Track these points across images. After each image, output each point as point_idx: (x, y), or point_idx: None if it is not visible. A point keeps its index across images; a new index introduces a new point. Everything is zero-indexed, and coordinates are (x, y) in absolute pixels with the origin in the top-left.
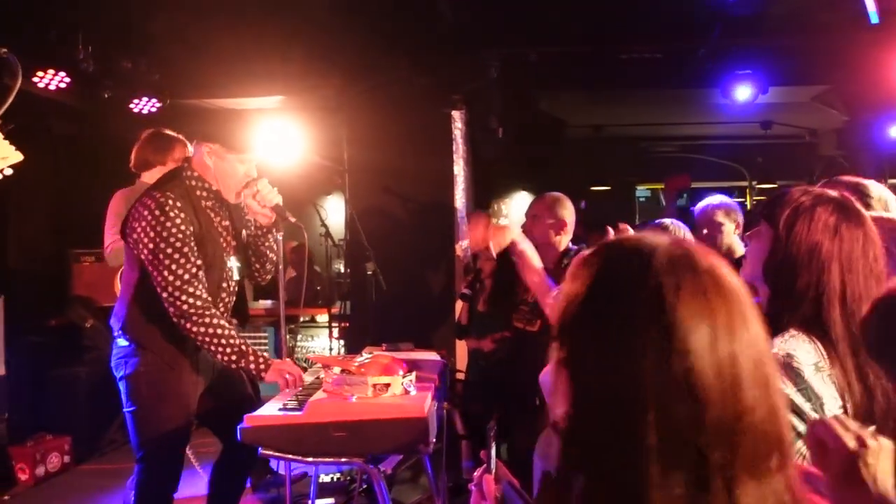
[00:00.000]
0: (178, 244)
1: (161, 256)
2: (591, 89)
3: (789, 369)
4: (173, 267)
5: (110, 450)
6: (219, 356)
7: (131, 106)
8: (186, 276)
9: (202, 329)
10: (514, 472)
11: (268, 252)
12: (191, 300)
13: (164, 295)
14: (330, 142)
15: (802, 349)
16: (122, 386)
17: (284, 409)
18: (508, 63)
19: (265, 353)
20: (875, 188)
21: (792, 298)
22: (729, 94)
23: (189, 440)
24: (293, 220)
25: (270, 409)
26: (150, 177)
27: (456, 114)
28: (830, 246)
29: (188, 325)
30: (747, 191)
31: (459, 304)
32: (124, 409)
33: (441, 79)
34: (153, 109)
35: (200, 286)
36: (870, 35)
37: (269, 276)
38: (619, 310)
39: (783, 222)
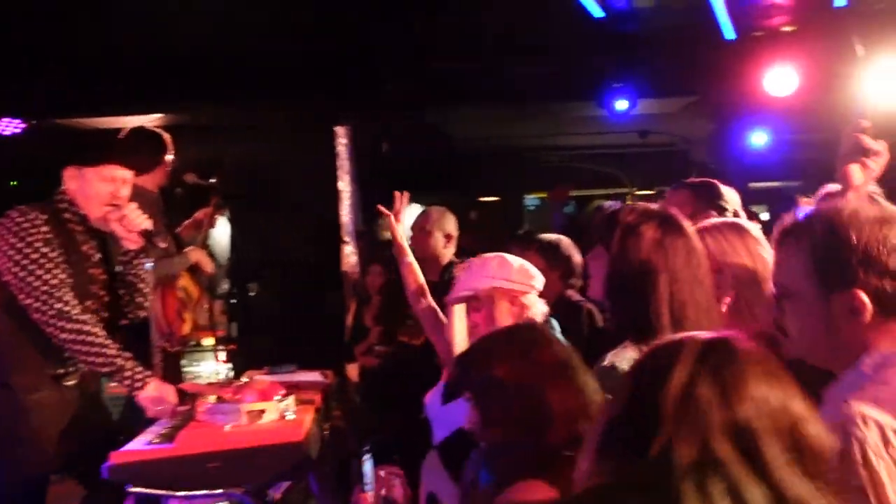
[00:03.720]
0: (45, 249)
1: (25, 262)
2: (477, 103)
3: (610, 378)
4: (39, 272)
5: None
6: (91, 366)
7: None
8: (55, 281)
9: (75, 336)
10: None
11: (137, 283)
12: (62, 302)
13: (31, 301)
14: (211, 160)
15: (627, 359)
16: None
17: (152, 443)
18: (394, 78)
19: (146, 371)
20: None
21: (630, 313)
22: (607, 106)
23: (48, 484)
24: (163, 245)
25: (138, 444)
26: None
27: (340, 129)
28: (657, 259)
29: (60, 326)
30: (628, 197)
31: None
32: None
33: (325, 95)
34: (17, 130)
35: (71, 295)
36: (729, 50)
37: (142, 313)
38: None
39: (615, 242)
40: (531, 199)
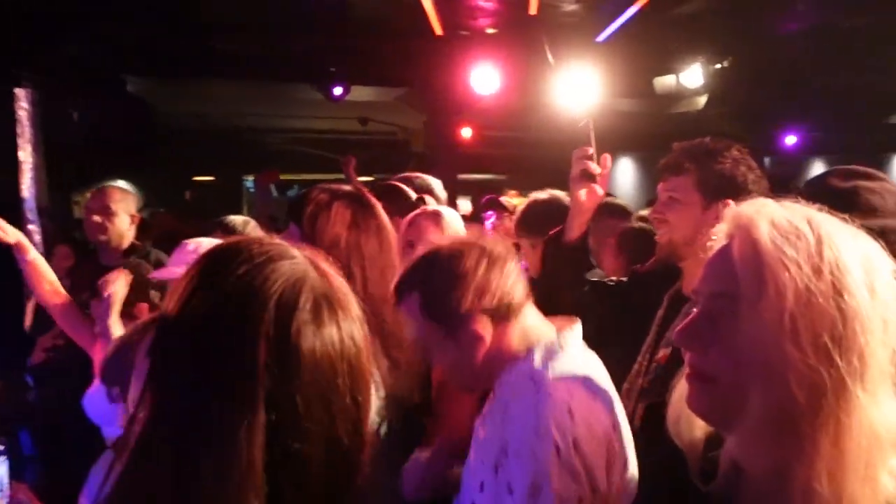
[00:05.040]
0: None
1: None
2: (183, 77)
3: None
4: None
5: None
6: None
7: None
8: None
9: None
10: (62, 490)
11: None
12: None
13: None
14: None
15: None
16: None
17: None
18: (89, 41)
19: None
20: (421, 179)
21: None
22: (324, 90)
23: None
24: None
25: None
26: None
27: (21, 92)
28: (349, 236)
29: None
30: (349, 184)
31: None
32: None
33: (1, 51)
34: None
35: None
36: (439, 45)
37: None
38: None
39: (306, 220)
40: (251, 182)
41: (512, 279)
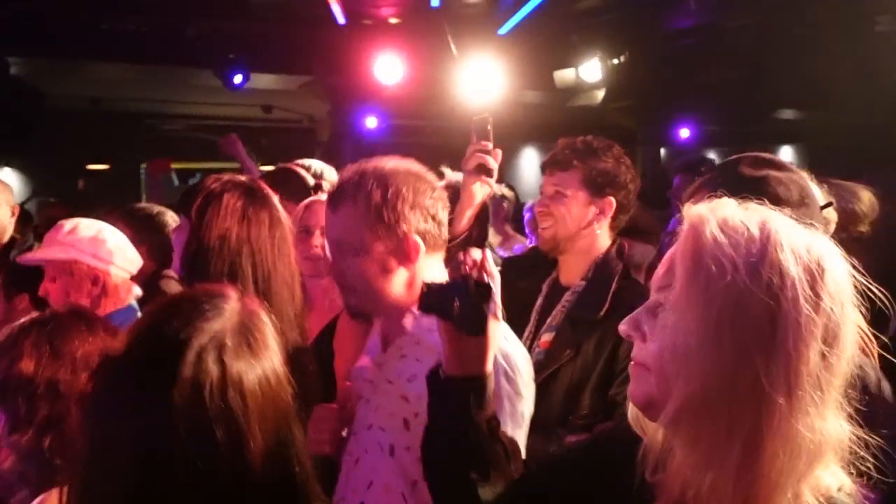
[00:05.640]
0: None
1: None
2: (71, 58)
3: None
4: None
5: None
6: None
7: None
8: None
9: None
10: None
11: None
12: None
13: None
14: None
15: None
16: None
17: None
18: None
19: None
20: (316, 165)
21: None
22: (221, 76)
23: None
24: None
25: None
26: None
27: None
28: (240, 230)
29: None
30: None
31: None
32: None
33: None
34: None
35: None
36: (342, 34)
37: None
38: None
39: (195, 211)
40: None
41: (444, 224)
